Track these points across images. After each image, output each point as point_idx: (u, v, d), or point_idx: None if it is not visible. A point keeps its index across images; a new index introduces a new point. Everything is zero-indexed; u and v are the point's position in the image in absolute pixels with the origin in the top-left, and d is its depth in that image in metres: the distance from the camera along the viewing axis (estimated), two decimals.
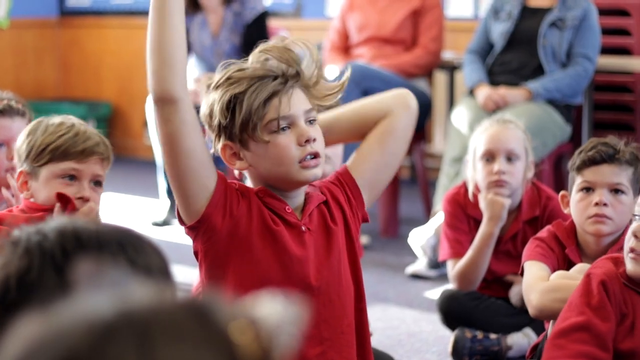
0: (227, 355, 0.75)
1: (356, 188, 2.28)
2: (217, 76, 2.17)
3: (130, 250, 1.09)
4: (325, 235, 2.22)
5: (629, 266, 2.32)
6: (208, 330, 0.75)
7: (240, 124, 2.11)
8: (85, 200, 2.43)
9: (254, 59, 2.16)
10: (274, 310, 0.78)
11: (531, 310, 2.61)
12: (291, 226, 2.18)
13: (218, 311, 0.77)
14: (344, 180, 2.29)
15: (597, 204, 2.74)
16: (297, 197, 2.21)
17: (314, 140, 2.14)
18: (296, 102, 2.13)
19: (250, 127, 2.11)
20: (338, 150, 3.21)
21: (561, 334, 2.31)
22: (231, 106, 2.12)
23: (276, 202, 2.17)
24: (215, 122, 2.15)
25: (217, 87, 2.15)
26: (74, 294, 0.80)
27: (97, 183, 2.46)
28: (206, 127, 2.19)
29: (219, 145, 2.17)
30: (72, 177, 2.43)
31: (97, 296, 0.77)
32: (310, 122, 2.16)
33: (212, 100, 2.16)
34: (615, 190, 2.75)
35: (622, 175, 2.75)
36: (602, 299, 2.30)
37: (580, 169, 2.79)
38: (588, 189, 2.77)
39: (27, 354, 0.74)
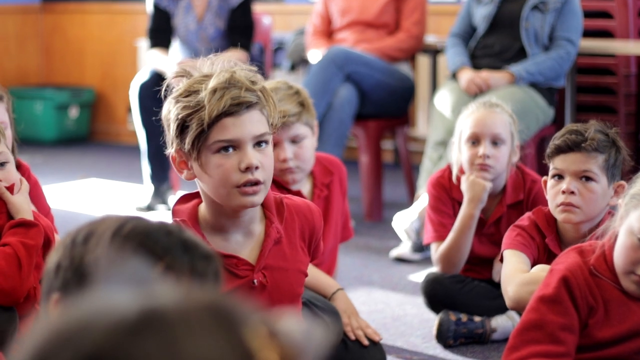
0: None
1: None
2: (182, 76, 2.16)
3: (193, 256, 1.19)
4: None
5: (632, 288, 2.29)
6: (231, 335, 0.76)
7: (189, 138, 2.10)
8: None
9: (222, 67, 2.13)
10: (299, 328, 0.79)
11: (508, 302, 2.60)
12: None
13: (243, 318, 0.78)
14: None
15: (564, 192, 2.74)
16: (246, 224, 2.21)
17: (256, 168, 2.10)
18: (246, 125, 2.09)
19: (198, 144, 2.10)
20: (308, 155, 3.10)
21: (517, 334, 2.32)
22: (185, 119, 2.10)
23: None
24: (171, 129, 2.14)
25: (176, 97, 2.13)
26: (95, 286, 0.82)
27: (2, 164, 2.56)
28: (165, 128, 2.19)
29: (172, 150, 2.16)
30: None
31: (123, 292, 0.78)
32: (260, 145, 2.12)
33: (169, 108, 2.15)
34: (586, 178, 2.73)
35: (590, 163, 2.71)
36: (558, 293, 2.28)
37: (550, 156, 2.79)
38: (559, 177, 2.77)
39: (51, 345, 0.74)
